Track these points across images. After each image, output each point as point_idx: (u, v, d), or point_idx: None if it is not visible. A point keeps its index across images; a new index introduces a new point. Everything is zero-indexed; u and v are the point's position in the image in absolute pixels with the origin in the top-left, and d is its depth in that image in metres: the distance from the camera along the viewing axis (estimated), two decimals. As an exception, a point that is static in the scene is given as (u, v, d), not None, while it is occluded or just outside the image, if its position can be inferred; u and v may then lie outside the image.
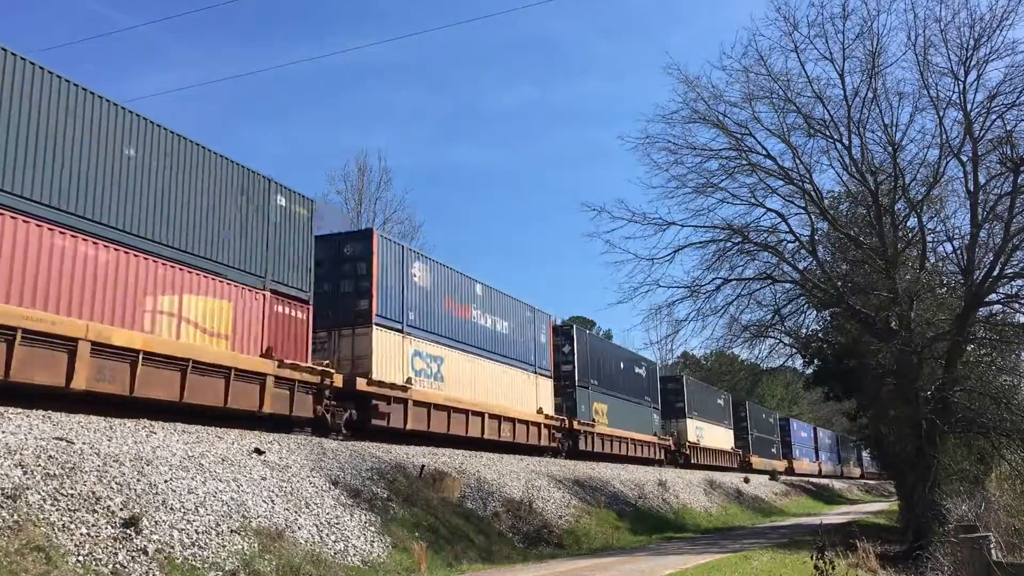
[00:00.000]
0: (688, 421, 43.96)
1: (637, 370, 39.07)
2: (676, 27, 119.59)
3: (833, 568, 8.13)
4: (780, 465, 60.00)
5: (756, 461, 54.45)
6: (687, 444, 43.22)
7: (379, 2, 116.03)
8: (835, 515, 39.38)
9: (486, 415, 24.52)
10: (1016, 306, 22.59)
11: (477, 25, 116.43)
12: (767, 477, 52.72)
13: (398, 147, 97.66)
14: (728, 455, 50.33)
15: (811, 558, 8.25)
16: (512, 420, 26.15)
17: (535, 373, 29.06)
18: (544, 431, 28.56)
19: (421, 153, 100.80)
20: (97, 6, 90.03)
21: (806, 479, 62.70)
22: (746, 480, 46.49)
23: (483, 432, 24.28)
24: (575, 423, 31.24)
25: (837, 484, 70.99)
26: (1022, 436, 20.86)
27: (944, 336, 21.52)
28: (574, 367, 32.03)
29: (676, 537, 25.06)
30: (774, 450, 61.04)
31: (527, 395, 28.21)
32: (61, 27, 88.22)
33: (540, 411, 28.73)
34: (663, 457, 40.15)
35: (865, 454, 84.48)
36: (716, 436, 48.93)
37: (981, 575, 6.44)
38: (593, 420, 32.53)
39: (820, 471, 70.92)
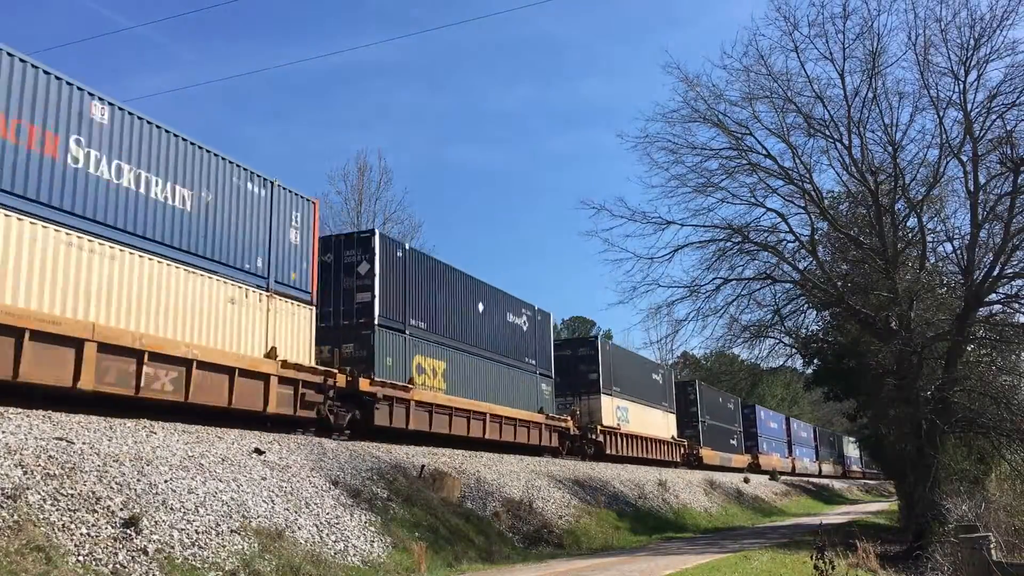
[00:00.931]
0: (605, 398, 33.61)
1: (513, 319, 28.27)
2: (675, 28, 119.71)
3: (833, 568, 8.14)
4: (740, 460, 51.80)
5: (707, 454, 45.56)
6: (599, 429, 32.60)
7: (378, 2, 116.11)
8: (835, 515, 39.38)
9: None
10: (1016, 306, 22.60)
11: (476, 25, 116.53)
12: (767, 477, 52.70)
13: (398, 147, 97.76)
14: (667, 446, 40.33)
15: (811, 558, 8.26)
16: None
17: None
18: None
19: (421, 153, 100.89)
20: (95, 6, 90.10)
21: (805, 479, 62.66)
22: (746, 480, 46.48)
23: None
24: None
25: (837, 484, 70.96)
26: (1022, 436, 20.87)
27: (944, 336, 21.52)
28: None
29: (676, 537, 25.05)
30: (733, 442, 51.95)
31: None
32: (59, 27, 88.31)
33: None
34: (557, 445, 29.75)
35: (850, 448, 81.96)
36: (649, 421, 38.25)
37: (981, 575, 6.45)
38: (413, 383, 21.57)
39: (794, 468, 63.00)
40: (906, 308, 21.25)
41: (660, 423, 33.50)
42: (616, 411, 34.74)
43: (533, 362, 29.01)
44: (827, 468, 75.12)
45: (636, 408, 36.82)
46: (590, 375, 33.40)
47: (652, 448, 37.71)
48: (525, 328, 28.88)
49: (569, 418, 30.83)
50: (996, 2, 20.83)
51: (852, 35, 21.63)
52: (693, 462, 43.43)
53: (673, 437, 40.67)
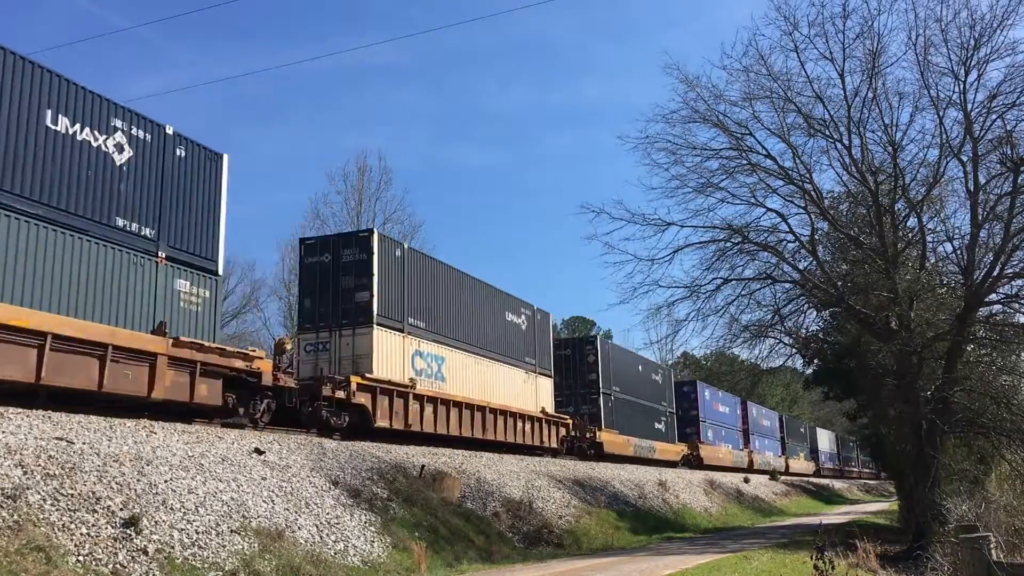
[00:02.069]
0: (383, 333, 21.01)
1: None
2: (673, 28, 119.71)
3: (833, 568, 8.13)
4: (672, 450, 40.79)
5: (610, 439, 33.36)
6: (381, 387, 20.22)
7: (376, 3, 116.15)
8: (835, 515, 39.37)
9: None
10: (1016, 306, 22.57)
11: (474, 27, 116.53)
12: (767, 477, 52.67)
13: (396, 147, 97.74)
14: (534, 423, 27.90)
15: (811, 558, 8.25)
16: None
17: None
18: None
19: (420, 153, 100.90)
20: (93, 7, 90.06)
21: (805, 479, 62.63)
22: (746, 480, 46.45)
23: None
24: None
25: (837, 484, 70.87)
26: (1022, 436, 20.85)
27: (944, 336, 21.51)
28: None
29: (676, 537, 25.05)
30: (660, 426, 40.20)
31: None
32: (58, 28, 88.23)
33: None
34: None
35: (825, 441, 74.82)
36: (495, 382, 26.17)
37: (981, 575, 6.44)
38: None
39: (751, 463, 52.10)
40: (906, 308, 21.23)
41: (520, 389, 26.04)
42: (414, 358, 22.20)
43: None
44: (797, 464, 63.90)
45: (463, 360, 24.56)
46: (358, 295, 20.93)
47: (481, 421, 24.29)
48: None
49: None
50: (996, 2, 20.82)
51: (852, 35, 21.63)
52: (583, 449, 31.35)
53: (545, 411, 28.99)
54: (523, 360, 28.30)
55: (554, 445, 29.21)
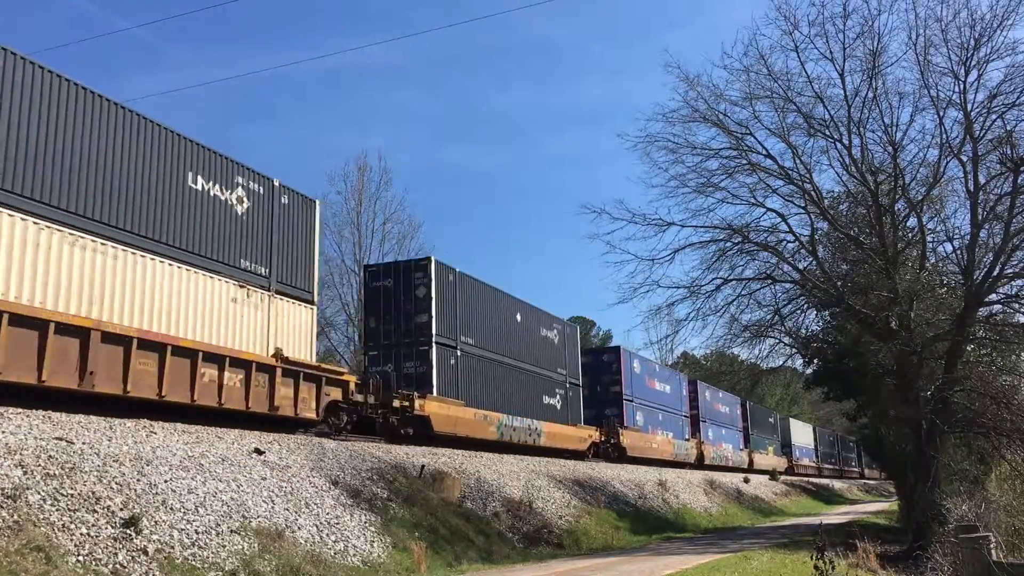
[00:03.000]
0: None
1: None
2: (671, 29, 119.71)
3: (833, 568, 8.12)
4: (573, 436, 29.94)
5: (443, 412, 22.12)
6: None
7: (374, 4, 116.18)
8: (835, 515, 39.37)
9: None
10: (1016, 306, 22.59)
11: (473, 27, 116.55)
12: (767, 477, 52.65)
13: (395, 148, 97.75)
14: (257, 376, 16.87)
15: (811, 558, 8.23)
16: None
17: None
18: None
19: (419, 154, 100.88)
20: (92, 8, 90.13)
21: (805, 479, 62.59)
22: (746, 480, 46.44)
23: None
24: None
25: (837, 484, 70.79)
26: (1022, 436, 20.85)
27: (944, 336, 21.51)
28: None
29: (676, 537, 25.05)
30: (553, 401, 29.33)
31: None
32: (56, 28, 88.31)
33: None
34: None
35: (799, 434, 65.36)
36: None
37: (981, 575, 6.44)
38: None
39: (702, 456, 44.10)
40: (906, 308, 21.24)
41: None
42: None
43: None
44: (764, 460, 54.23)
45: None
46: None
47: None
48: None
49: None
50: (996, 2, 20.84)
51: (852, 35, 21.64)
52: (384, 423, 20.27)
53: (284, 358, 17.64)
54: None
55: (309, 415, 17.65)
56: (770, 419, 61.79)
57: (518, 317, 28.04)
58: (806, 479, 62.60)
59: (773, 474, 54.44)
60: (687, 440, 42.70)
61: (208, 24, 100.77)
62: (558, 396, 30.11)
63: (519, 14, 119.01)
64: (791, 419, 65.81)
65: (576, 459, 30.05)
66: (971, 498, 15.64)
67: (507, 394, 26.20)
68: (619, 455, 33.21)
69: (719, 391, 49.22)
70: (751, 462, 52.20)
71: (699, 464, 43.26)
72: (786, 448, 62.45)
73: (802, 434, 67.85)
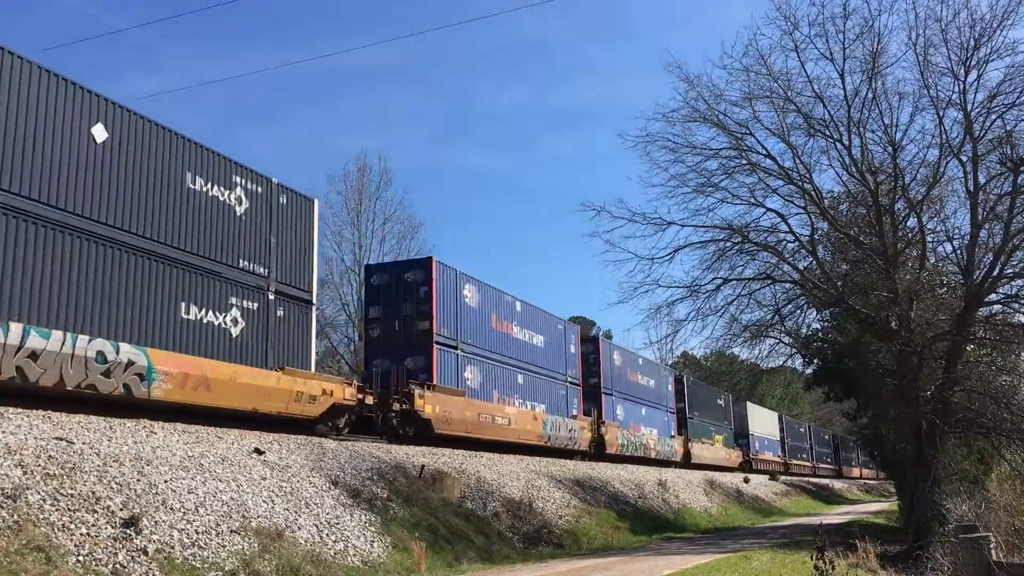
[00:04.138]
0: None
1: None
2: (669, 29, 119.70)
3: (833, 568, 8.13)
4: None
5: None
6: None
7: (372, 5, 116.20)
8: (835, 515, 39.38)
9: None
10: (1016, 306, 22.58)
11: (471, 28, 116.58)
12: (767, 477, 52.62)
13: (394, 148, 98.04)
14: None
15: (811, 558, 8.24)
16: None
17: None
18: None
19: (417, 154, 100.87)
20: (89, 8, 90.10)
21: (805, 479, 62.58)
22: (746, 480, 46.42)
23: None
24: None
25: (837, 484, 70.72)
26: (1022, 436, 20.85)
27: (944, 336, 21.51)
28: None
29: (676, 537, 25.05)
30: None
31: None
32: (54, 28, 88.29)
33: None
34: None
35: (760, 423, 55.67)
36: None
37: (981, 575, 6.44)
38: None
39: (600, 441, 32.64)
40: (906, 308, 21.23)
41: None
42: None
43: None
44: (706, 452, 44.80)
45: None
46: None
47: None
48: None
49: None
50: (996, 2, 20.83)
51: (852, 35, 21.61)
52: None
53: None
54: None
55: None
56: (719, 401, 49.99)
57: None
58: (805, 479, 62.44)
59: (774, 475, 54.15)
60: (574, 419, 29.78)
61: (207, 24, 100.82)
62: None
63: (517, 15, 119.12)
64: (749, 404, 53.82)
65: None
66: (971, 498, 15.62)
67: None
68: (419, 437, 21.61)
69: (639, 356, 38.50)
70: (686, 453, 41.50)
71: (597, 453, 31.36)
72: (742, 439, 52.01)
73: (764, 423, 56.85)
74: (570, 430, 29.39)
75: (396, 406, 20.59)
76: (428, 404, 21.21)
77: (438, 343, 22.71)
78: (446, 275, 23.81)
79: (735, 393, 51.30)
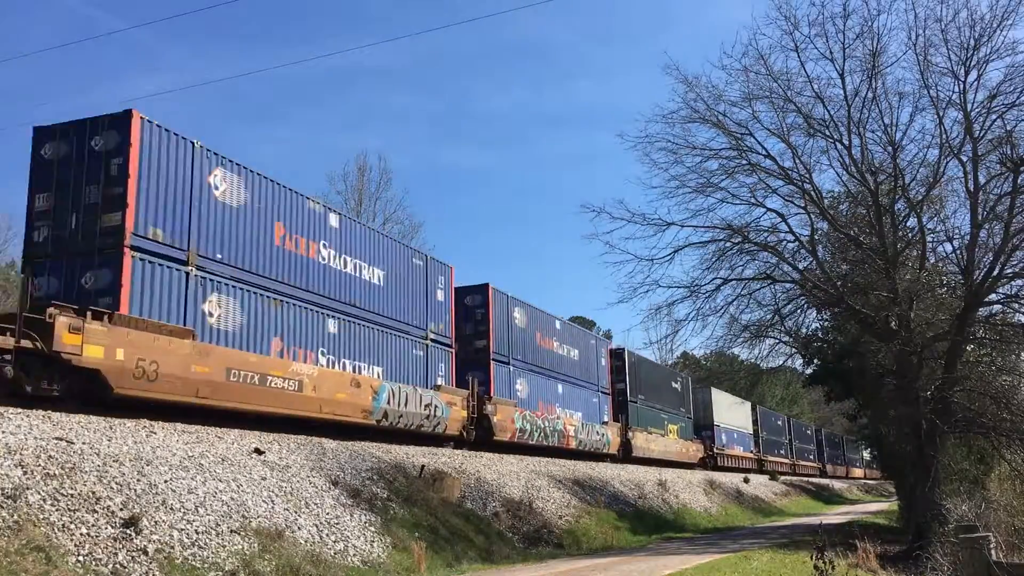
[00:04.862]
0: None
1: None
2: (668, 30, 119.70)
3: (833, 568, 8.13)
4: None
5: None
6: None
7: (370, 5, 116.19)
8: (835, 515, 39.37)
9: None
10: (1016, 306, 22.56)
11: (468, 29, 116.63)
12: (767, 477, 52.58)
13: (393, 149, 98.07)
14: None
15: (811, 558, 8.25)
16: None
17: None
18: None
19: (416, 155, 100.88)
20: (87, 9, 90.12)
21: (806, 479, 62.53)
22: (746, 480, 46.40)
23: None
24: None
25: (837, 484, 70.62)
26: (1022, 436, 20.85)
27: (944, 336, 21.50)
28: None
29: (676, 537, 25.05)
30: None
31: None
32: (52, 29, 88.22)
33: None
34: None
35: (739, 415, 50.68)
36: None
37: (981, 575, 6.44)
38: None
39: (492, 427, 25.29)
40: (906, 308, 21.23)
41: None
42: None
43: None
44: (660, 445, 38.22)
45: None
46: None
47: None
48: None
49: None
50: (996, 2, 20.81)
51: (852, 35, 21.60)
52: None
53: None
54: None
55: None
56: (674, 384, 42.94)
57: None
58: (806, 479, 62.28)
59: (773, 475, 54.06)
60: (437, 390, 22.07)
61: (207, 24, 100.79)
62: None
63: (515, 16, 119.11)
64: (715, 390, 48.05)
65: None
66: (971, 498, 15.63)
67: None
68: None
69: (556, 319, 30.97)
70: (625, 445, 34.25)
71: (478, 439, 23.63)
72: (705, 431, 46.12)
73: (732, 413, 50.43)
74: (429, 406, 21.16)
75: (20, 342, 11.90)
76: (93, 341, 12.66)
77: (136, 249, 14.13)
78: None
79: (737, 393, 49.63)
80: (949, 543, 11.92)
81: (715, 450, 46.49)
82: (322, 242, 18.77)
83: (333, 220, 19.36)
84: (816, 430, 74.45)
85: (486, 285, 26.20)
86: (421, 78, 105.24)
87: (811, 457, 69.40)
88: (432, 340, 22.61)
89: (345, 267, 19.44)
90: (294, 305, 17.66)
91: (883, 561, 16.27)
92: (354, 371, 19.10)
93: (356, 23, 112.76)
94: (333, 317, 18.76)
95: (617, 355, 37.07)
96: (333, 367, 18.48)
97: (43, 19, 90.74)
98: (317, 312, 18.29)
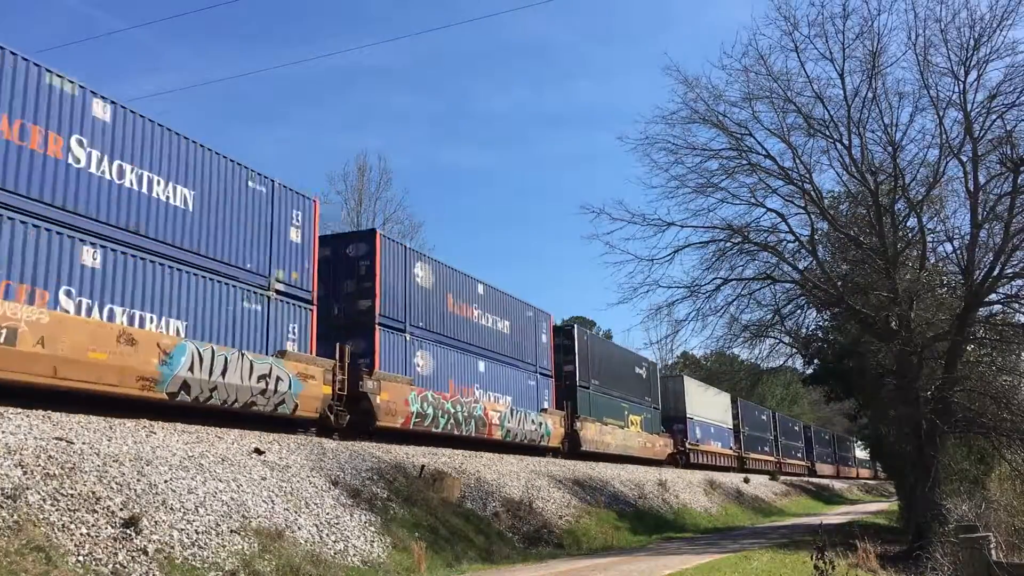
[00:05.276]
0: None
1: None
2: (668, 29, 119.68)
3: (833, 568, 8.13)
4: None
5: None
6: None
7: (370, 5, 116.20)
8: (835, 515, 39.38)
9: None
10: (1016, 306, 22.55)
11: (468, 29, 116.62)
12: (767, 477, 52.57)
13: (392, 149, 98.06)
14: None
15: (811, 558, 8.25)
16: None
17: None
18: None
19: (415, 155, 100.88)
20: (88, 9, 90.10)
21: (806, 479, 62.51)
22: (746, 480, 46.40)
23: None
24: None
25: (837, 484, 70.55)
26: (1022, 436, 20.84)
27: (944, 336, 21.49)
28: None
29: (676, 537, 25.05)
30: None
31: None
32: (52, 29, 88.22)
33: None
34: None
35: (714, 407, 46.72)
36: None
37: (981, 575, 6.44)
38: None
39: (373, 412, 20.18)
40: (906, 308, 21.22)
41: None
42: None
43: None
44: (617, 438, 34.11)
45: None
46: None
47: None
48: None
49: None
50: (996, 2, 20.78)
51: (852, 35, 21.58)
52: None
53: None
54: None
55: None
56: (637, 369, 38.23)
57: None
58: (806, 479, 62.24)
59: (773, 475, 53.97)
60: (281, 357, 17.31)
61: (207, 24, 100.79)
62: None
63: (515, 16, 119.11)
64: (687, 379, 44.90)
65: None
66: (971, 498, 15.63)
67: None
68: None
69: (479, 283, 26.00)
70: (571, 437, 29.92)
71: (353, 423, 19.12)
72: (676, 423, 42.43)
73: (709, 405, 46.27)
74: (267, 378, 16.38)
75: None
76: None
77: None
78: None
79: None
80: (949, 543, 11.92)
81: (687, 445, 42.57)
82: (78, 137, 13.61)
83: (100, 110, 14.06)
84: (804, 427, 70.83)
85: (373, 231, 21.58)
86: (421, 78, 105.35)
87: (799, 455, 66.12)
88: (278, 292, 17.48)
89: (121, 178, 14.27)
90: (11, 219, 12.39)
91: (883, 561, 16.27)
92: (129, 323, 13.96)
93: (356, 23, 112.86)
94: (92, 244, 13.60)
95: (565, 332, 32.30)
96: (89, 314, 13.30)
97: (43, 19, 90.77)
98: (60, 234, 13.09)
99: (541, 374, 29.28)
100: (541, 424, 27.96)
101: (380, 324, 20.60)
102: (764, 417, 58.50)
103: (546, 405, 29.09)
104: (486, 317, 26.01)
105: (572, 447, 30.11)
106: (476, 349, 25.08)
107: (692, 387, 44.55)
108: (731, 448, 49.91)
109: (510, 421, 25.77)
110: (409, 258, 22.38)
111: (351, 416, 18.90)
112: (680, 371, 49.13)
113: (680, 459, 41.61)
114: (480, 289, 25.88)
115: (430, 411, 21.64)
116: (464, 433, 23.16)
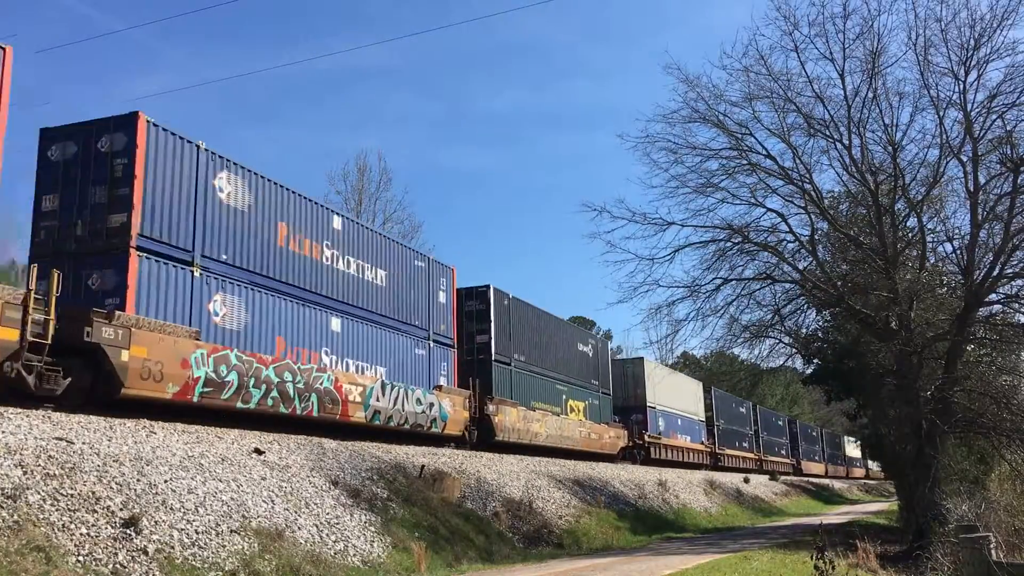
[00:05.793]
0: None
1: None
2: (667, 29, 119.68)
3: (833, 568, 8.12)
4: None
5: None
6: None
7: (368, 6, 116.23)
8: (835, 515, 39.38)
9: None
10: (1016, 306, 22.56)
11: (468, 29, 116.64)
12: (767, 477, 52.54)
13: (391, 149, 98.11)
14: None
15: (811, 558, 8.23)
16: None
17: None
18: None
19: (414, 155, 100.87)
20: (87, 9, 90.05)
21: (807, 479, 62.49)
22: (746, 480, 46.39)
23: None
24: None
25: (837, 484, 70.52)
26: (1022, 436, 20.84)
27: (944, 336, 21.50)
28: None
29: (676, 537, 25.05)
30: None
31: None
32: (52, 29, 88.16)
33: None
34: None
35: (688, 395, 43.15)
36: None
37: (981, 575, 6.44)
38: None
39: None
40: (906, 308, 21.23)
41: None
42: None
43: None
44: (566, 431, 29.51)
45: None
46: None
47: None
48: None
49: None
50: (996, 2, 20.80)
51: (852, 35, 21.59)
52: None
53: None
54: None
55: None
56: (582, 347, 33.06)
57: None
58: (807, 479, 62.17)
59: (773, 475, 53.91)
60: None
61: (207, 24, 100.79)
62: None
63: (514, 16, 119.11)
64: (648, 362, 39.46)
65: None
66: (971, 498, 15.62)
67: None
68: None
69: (334, 215, 20.23)
70: (480, 423, 24.39)
71: (92, 396, 13.48)
72: (635, 413, 37.55)
73: (675, 394, 41.32)
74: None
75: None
76: None
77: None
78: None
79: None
80: (949, 543, 11.93)
81: (647, 439, 37.02)
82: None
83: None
84: (790, 421, 65.36)
85: (136, 115, 14.61)
86: (421, 78, 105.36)
87: (783, 452, 60.56)
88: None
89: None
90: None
91: (883, 561, 16.27)
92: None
93: (356, 23, 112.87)
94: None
95: (479, 295, 26.36)
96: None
97: (43, 19, 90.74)
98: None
99: (437, 343, 23.40)
100: (432, 405, 21.91)
101: (141, 248, 14.52)
102: (743, 409, 52.63)
103: (443, 382, 23.25)
104: (345, 261, 20.02)
105: (483, 435, 24.34)
106: (327, 301, 19.18)
107: (655, 371, 38.75)
108: (702, 443, 44.85)
109: (380, 399, 19.86)
110: (206, 163, 16.08)
111: (85, 381, 13.15)
112: (693, 375, 43.35)
113: (638, 454, 36.55)
114: (336, 223, 19.90)
115: (232, 378, 15.52)
116: (300, 412, 17.23)
